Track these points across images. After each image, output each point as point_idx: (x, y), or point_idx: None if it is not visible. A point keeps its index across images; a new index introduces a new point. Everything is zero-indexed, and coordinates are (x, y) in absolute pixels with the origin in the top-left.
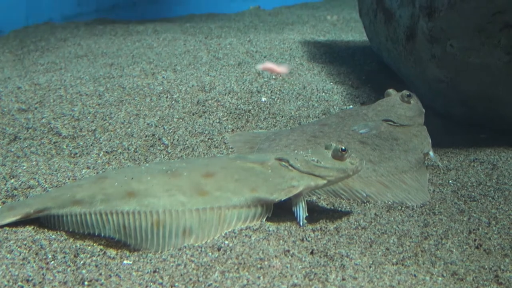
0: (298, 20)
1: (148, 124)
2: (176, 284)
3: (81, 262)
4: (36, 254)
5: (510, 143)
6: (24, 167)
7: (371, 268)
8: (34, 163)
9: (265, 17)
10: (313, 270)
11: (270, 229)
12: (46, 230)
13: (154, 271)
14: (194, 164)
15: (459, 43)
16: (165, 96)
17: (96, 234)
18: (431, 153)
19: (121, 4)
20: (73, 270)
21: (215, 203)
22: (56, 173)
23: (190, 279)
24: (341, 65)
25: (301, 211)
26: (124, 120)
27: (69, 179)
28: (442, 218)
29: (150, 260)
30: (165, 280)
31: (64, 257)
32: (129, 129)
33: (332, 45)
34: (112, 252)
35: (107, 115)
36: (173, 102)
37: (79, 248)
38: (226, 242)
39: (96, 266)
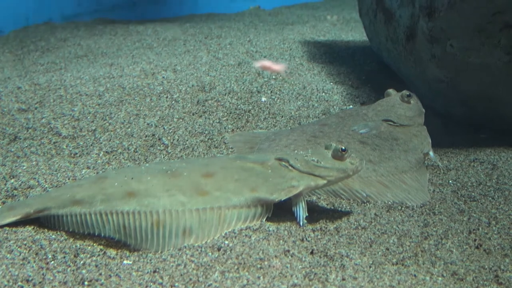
0: (298, 20)
1: (148, 124)
2: (176, 284)
3: (81, 262)
4: (36, 254)
5: (510, 143)
6: (24, 167)
7: (371, 268)
8: (34, 163)
9: (265, 17)
10: (313, 270)
11: (270, 229)
12: (46, 230)
13: (154, 271)
14: (194, 164)
15: (459, 43)
16: (165, 96)
17: (96, 234)
18: (431, 153)
19: (121, 4)
20: (73, 270)
21: (215, 203)
22: (56, 173)
23: (190, 279)
24: (341, 65)
25: (301, 211)
26: (124, 120)
27: (69, 179)
28: (442, 218)
29: (150, 260)
30: (165, 280)
31: (64, 257)
32: (129, 129)
33: (332, 45)
34: (112, 252)
35: (107, 115)
36: (173, 102)
37: (79, 248)
38: (226, 242)
39: (96, 266)
